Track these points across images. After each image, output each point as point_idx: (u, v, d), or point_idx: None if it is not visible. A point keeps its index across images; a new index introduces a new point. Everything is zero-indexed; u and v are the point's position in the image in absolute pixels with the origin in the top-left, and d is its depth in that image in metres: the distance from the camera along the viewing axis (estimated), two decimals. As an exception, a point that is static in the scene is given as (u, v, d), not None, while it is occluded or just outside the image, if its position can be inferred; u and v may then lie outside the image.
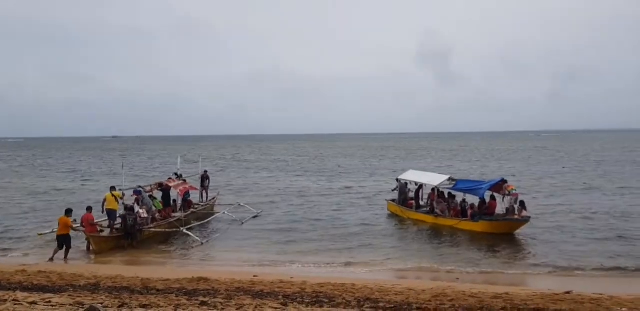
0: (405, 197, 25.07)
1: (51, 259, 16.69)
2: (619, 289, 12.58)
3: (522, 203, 19.95)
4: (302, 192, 34.30)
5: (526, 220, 19.51)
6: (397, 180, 26.08)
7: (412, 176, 25.51)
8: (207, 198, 27.38)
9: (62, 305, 8.61)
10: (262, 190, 35.57)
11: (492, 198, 21.20)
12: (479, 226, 20.14)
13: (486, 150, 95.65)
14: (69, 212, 17.36)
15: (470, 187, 21.49)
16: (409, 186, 25.30)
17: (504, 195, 20.66)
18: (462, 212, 21.58)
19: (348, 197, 31.91)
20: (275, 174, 48.76)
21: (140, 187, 21.33)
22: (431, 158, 73.77)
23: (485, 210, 20.87)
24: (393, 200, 25.79)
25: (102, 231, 18.68)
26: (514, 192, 20.25)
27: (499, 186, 20.77)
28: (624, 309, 10.25)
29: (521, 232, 19.90)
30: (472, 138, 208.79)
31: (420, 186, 24.49)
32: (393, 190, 26.61)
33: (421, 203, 24.27)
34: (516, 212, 19.86)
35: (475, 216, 20.60)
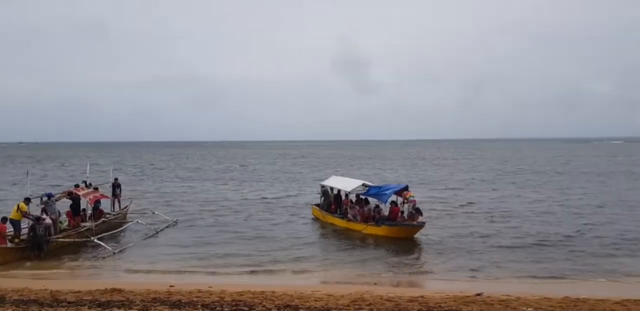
0: (329, 201, 25.71)
1: None
2: (525, 290, 13.34)
3: (418, 210, 21.04)
4: (220, 200, 33.83)
5: (421, 225, 20.57)
6: (321, 185, 26.78)
7: (331, 181, 26.33)
8: (119, 207, 26.41)
9: (-37, 320, 8.06)
10: (178, 199, 34.76)
11: (395, 204, 22.02)
12: (381, 230, 20.96)
13: (405, 159, 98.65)
14: None
15: (377, 192, 22.19)
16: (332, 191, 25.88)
17: (403, 202, 21.61)
18: (372, 217, 22.23)
19: (269, 205, 31.88)
20: (193, 183, 47.73)
21: (49, 193, 20.38)
22: (357, 166, 75.23)
23: (389, 216, 21.62)
24: (317, 205, 26.45)
25: (12, 242, 17.60)
26: (412, 198, 21.22)
27: (402, 192, 21.65)
28: (529, 309, 10.93)
29: (432, 237, 20.78)
30: (391, 146, 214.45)
31: (338, 191, 25.05)
32: (318, 195, 27.31)
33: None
34: (414, 218, 20.83)
35: (378, 221, 21.34)
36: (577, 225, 23.55)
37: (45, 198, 19.75)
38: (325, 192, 26.24)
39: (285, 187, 44.15)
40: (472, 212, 27.65)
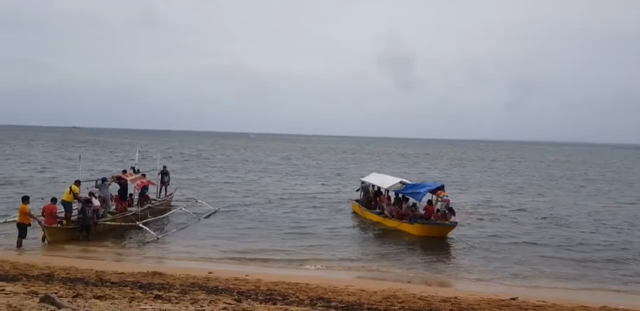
0: (368, 197, 26.09)
1: (18, 246, 16.74)
2: (562, 297, 13.13)
3: (451, 209, 20.95)
4: (263, 192, 34.23)
5: (453, 225, 20.52)
6: (361, 181, 27.16)
7: (371, 178, 26.70)
8: (165, 194, 27.16)
9: (16, 293, 8.56)
10: (222, 189, 35.39)
11: (430, 203, 21.95)
12: (414, 228, 21.00)
13: (451, 158, 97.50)
14: (25, 200, 17.15)
15: (412, 190, 22.22)
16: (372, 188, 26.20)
17: (436, 201, 21.59)
18: (408, 214, 22.26)
19: (311, 199, 32.14)
20: (238, 174, 48.33)
21: (104, 178, 21.33)
22: (400, 163, 74.92)
23: (423, 214, 21.64)
24: (357, 200, 26.79)
25: (60, 222, 18.42)
26: (445, 198, 21.10)
27: (437, 191, 21.59)
28: (563, 316, 10.78)
29: (472, 239, 20.53)
30: (434, 144, 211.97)
31: (378, 188, 25.29)
32: (357, 191, 27.66)
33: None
34: (446, 217, 20.81)
35: (412, 219, 21.36)
36: (629, 236, 22.72)
37: (99, 182, 20.63)
38: (365, 188, 26.61)
39: (329, 181, 44.39)
40: (517, 216, 27.09)
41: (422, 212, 21.86)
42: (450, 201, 21.42)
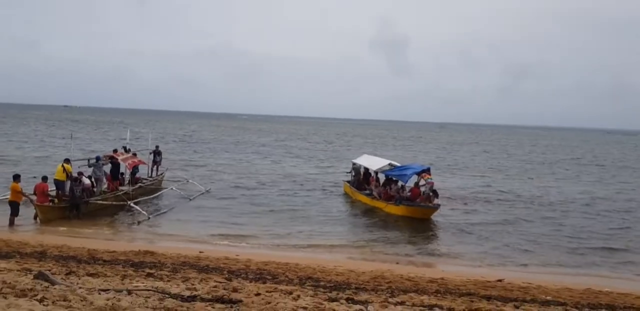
0: (359, 178, 26.46)
1: (11, 224, 16.81)
2: (549, 280, 13.38)
3: (435, 192, 21.40)
4: (255, 174, 34.35)
5: (436, 207, 20.97)
6: (352, 163, 27.63)
7: (362, 160, 27.09)
8: (157, 173, 27.18)
9: (10, 270, 8.65)
10: (214, 170, 35.40)
11: (416, 185, 22.27)
12: (399, 210, 21.33)
13: (444, 142, 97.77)
14: (16, 178, 17.16)
15: (399, 172, 22.55)
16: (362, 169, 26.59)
17: (418, 183, 22.04)
18: (394, 196, 22.57)
19: (304, 180, 32.39)
20: (231, 155, 48.28)
21: (98, 156, 21.37)
22: (393, 146, 75.18)
23: (409, 196, 21.94)
24: (349, 182, 27.19)
25: (52, 201, 18.46)
26: (429, 180, 21.50)
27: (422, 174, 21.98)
28: (548, 297, 11.04)
29: (461, 221, 20.91)
30: (426, 128, 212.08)
31: (367, 169, 25.72)
32: (348, 172, 28.14)
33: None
34: (430, 199, 21.28)
35: (398, 200, 21.69)
36: (620, 222, 23.01)
37: (93, 161, 20.68)
38: (356, 169, 27.00)
39: (321, 163, 44.65)
40: (508, 200, 27.39)
41: (408, 193, 22.14)
42: (434, 183, 21.78)
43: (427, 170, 21.97)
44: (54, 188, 18.87)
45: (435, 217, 21.30)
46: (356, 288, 10.16)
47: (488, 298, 10.12)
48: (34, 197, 17.46)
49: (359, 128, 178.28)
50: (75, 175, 18.79)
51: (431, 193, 21.34)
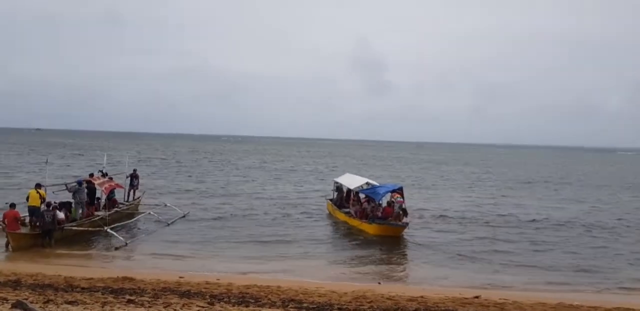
0: (342, 197, 26.96)
1: None
2: (523, 295, 13.61)
3: (404, 210, 21.84)
4: (238, 196, 34.22)
5: (404, 225, 21.45)
6: (335, 182, 28.22)
7: (343, 179, 27.68)
8: (134, 197, 26.92)
9: (-14, 300, 8.54)
10: (194, 192, 35.16)
11: (389, 204, 22.56)
12: (372, 228, 21.79)
13: (425, 161, 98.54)
14: None
15: (373, 191, 23.04)
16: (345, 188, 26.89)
17: (391, 202, 22.33)
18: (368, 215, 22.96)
19: (286, 200, 32.66)
20: (212, 177, 47.85)
21: (79, 181, 21.21)
22: (375, 166, 75.42)
23: (381, 214, 22.27)
24: (331, 200, 27.72)
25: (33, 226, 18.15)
26: (398, 199, 22.00)
27: (399, 193, 22.41)
28: (523, 312, 11.24)
29: (436, 240, 21.24)
30: (404, 147, 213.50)
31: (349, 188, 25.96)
32: (332, 191, 28.66)
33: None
34: (400, 217, 21.70)
35: (371, 219, 22.11)
36: (585, 236, 23.64)
37: (75, 185, 20.53)
38: (338, 188, 27.52)
39: (305, 184, 44.85)
40: (481, 218, 27.75)
41: (380, 212, 22.48)
42: (404, 202, 22.18)
43: (399, 189, 22.51)
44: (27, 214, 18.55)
45: (412, 235, 21.65)
46: (339, 308, 10.25)
47: (467, 315, 10.27)
48: (3, 225, 17.09)
49: (340, 148, 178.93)
50: (53, 204, 18.57)
51: (400, 212, 21.81)
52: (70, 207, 20.34)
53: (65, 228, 18.81)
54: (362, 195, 24.94)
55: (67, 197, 21.19)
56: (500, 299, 12.64)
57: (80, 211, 20.49)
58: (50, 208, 18.27)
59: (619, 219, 28.83)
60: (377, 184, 24.35)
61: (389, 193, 22.62)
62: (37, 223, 18.08)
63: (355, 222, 23.11)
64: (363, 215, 23.00)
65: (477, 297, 12.80)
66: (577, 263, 18.26)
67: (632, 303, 13.12)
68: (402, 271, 16.88)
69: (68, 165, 54.95)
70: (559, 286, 15.56)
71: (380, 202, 22.90)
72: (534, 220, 27.36)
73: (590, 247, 21.11)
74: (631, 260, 19.17)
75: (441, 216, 27.56)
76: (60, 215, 18.78)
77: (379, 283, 14.85)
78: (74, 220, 20.11)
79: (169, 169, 55.97)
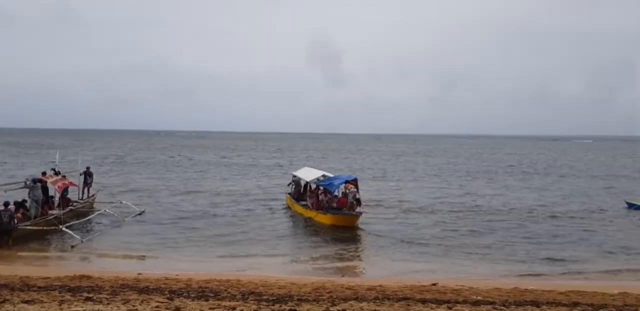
0: (299, 190, 27.25)
1: None
2: (479, 281, 14.12)
3: (358, 200, 22.46)
4: (196, 191, 34.03)
5: (358, 214, 22.08)
6: (293, 175, 28.50)
7: (300, 172, 28.02)
8: (88, 195, 26.45)
9: (-62, 301, 8.35)
10: (153, 189, 34.75)
11: (344, 195, 23.11)
12: (326, 218, 22.26)
13: (385, 152, 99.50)
14: None
15: (328, 183, 23.43)
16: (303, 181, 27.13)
17: (345, 193, 22.89)
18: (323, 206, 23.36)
19: (245, 194, 32.80)
20: (169, 174, 47.19)
21: (34, 179, 20.78)
22: (335, 159, 75.66)
23: (336, 205, 22.75)
24: (290, 194, 27.97)
25: None
26: (352, 189, 22.59)
27: (353, 183, 22.95)
28: (478, 297, 11.67)
29: (394, 229, 21.72)
30: (362, 140, 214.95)
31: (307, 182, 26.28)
32: (288, 185, 28.90)
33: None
34: (353, 207, 22.32)
35: (326, 209, 22.58)
36: (539, 220, 24.65)
37: (30, 183, 20.13)
38: (296, 181, 27.71)
39: (263, 177, 44.91)
40: (435, 208, 28.36)
41: (334, 203, 22.93)
42: (357, 192, 22.66)
43: (353, 180, 23.03)
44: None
45: (371, 226, 22.09)
46: (298, 299, 10.40)
47: (423, 301, 10.63)
48: None
49: (299, 141, 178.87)
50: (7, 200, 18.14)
51: (354, 202, 22.34)
52: (25, 206, 19.90)
53: (19, 227, 18.40)
54: (314, 187, 25.22)
55: (19, 196, 20.69)
56: (457, 285, 13.05)
57: (34, 210, 20.08)
58: (8, 207, 17.85)
59: (585, 207, 29.42)
60: (331, 176, 24.79)
61: (343, 185, 23.03)
62: None
63: (311, 214, 23.51)
64: (319, 207, 23.35)
65: (434, 284, 13.17)
66: (535, 250, 18.79)
67: (586, 285, 13.80)
68: (361, 262, 17.22)
69: (23, 163, 53.50)
70: (516, 274, 15.95)
71: (336, 193, 23.23)
72: (491, 208, 28.15)
73: (550, 235, 21.56)
74: (590, 246, 19.77)
75: (400, 206, 28.13)
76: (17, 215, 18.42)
77: (342, 276, 15.07)
78: (29, 218, 19.70)
79: (126, 166, 55.04)
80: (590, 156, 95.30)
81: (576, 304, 11.07)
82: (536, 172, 55.19)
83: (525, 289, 12.99)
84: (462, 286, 13.07)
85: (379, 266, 16.56)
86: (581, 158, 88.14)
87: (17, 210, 18.82)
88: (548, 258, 17.70)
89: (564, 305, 10.98)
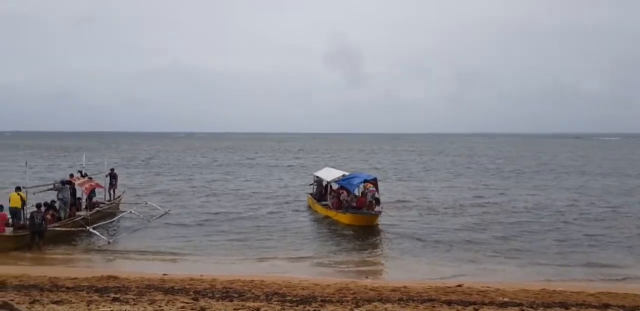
0: (321, 190, 27.26)
1: None
2: (507, 282, 13.88)
3: (377, 200, 22.43)
4: (220, 192, 34.24)
5: (377, 213, 21.99)
6: (314, 176, 28.55)
7: (321, 172, 28.00)
8: (113, 196, 26.82)
9: (-29, 302, 8.54)
10: (177, 190, 35.07)
11: (363, 194, 23.07)
12: (346, 218, 22.25)
13: (406, 152, 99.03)
14: None
15: (347, 182, 23.41)
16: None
17: (364, 192, 22.87)
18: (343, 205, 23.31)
19: (268, 195, 32.90)
20: (194, 175, 47.60)
21: (63, 180, 21.31)
22: (359, 160, 75.44)
23: (355, 204, 22.79)
24: (311, 194, 28.06)
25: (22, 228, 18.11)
26: (371, 189, 22.48)
27: (372, 183, 22.84)
28: (505, 299, 11.53)
29: (421, 230, 21.50)
30: (382, 139, 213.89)
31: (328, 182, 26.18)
32: (310, 185, 29.02)
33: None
34: (372, 207, 22.29)
35: (345, 209, 22.58)
36: (570, 225, 23.55)
37: (59, 185, 20.64)
38: (318, 181, 27.76)
39: (286, 178, 45.17)
40: (460, 208, 28.02)
41: (354, 203, 22.96)
42: (376, 192, 22.58)
43: (373, 180, 22.88)
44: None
45: (395, 226, 21.98)
46: (322, 300, 10.40)
47: (449, 303, 10.53)
48: None
49: (320, 142, 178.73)
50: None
51: (373, 201, 22.29)
52: (55, 207, 20.25)
53: (48, 229, 18.74)
54: (336, 186, 25.16)
55: (46, 198, 21.04)
56: (483, 287, 12.88)
57: (63, 211, 20.45)
58: (40, 209, 18.22)
59: (611, 207, 28.34)
60: (350, 175, 24.71)
61: (362, 184, 22.98)
62: (22, 224, 18.12)
63: (331, 213, 23.54)
64: (339, 206, 23.31)
65: (459, 285, 13.04)
66: (563, 252, 18.39)
67: (617, 287, 13.48)
68: (385, 263, 17.07)
69: (51, 166, 54.46)
70: (544, 275, 15.63)
71: (356, 193, 23.22)
72: (520, 209, 27.68)
73: (580, 235, 21.00)
74: (622, 248, 18.99)
75: (424, 206, 27.93)
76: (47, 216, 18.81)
77: (366, 277, 14.98)
78: (59, 219, 20.05)
79: (153, 168, 55.55)
80: (620, 154, 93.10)
81: (607, 306, 10.86)
82: (566, 171, 53.62)
83: (554, 290, 12.77)
84: (489, 287, 12.90)
85: (403, 268, 16.43)
86: (609, 156, 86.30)
87: (47, 212, 19.17)
88: (586, 264, 16.95)
89: (594, 306, 10.78)
